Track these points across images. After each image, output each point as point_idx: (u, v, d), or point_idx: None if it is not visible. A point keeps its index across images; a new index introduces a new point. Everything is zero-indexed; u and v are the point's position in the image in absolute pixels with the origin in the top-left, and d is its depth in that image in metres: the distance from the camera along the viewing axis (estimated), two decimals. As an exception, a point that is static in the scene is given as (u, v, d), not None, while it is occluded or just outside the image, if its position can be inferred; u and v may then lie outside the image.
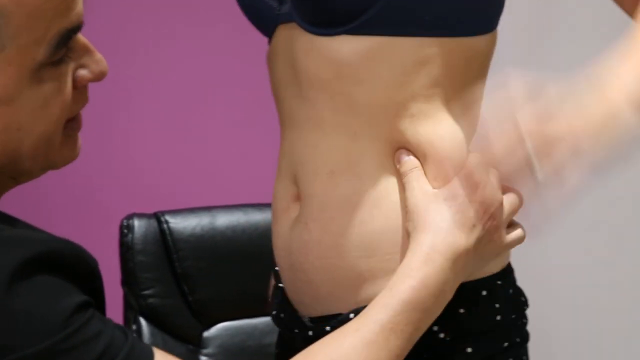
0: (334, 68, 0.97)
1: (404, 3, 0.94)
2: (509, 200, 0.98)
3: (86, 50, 0.87)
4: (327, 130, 1.00)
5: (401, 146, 0.98)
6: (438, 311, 0.92)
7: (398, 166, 0.98)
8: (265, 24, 1.07)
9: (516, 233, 1.00)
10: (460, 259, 0.92)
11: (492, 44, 1.03)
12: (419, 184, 0.96)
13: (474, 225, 0.93)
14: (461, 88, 1.00)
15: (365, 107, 0.98)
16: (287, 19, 1.03)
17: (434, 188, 0.96)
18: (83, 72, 0.87)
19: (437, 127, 0.98)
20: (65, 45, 0.82)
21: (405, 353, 0.90)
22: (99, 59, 0.87)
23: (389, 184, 0.99)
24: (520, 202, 0.99)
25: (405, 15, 0.94)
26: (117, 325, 0.82)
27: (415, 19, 0.95)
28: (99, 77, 0.88)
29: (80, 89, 0.88)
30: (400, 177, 0.98)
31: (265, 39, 1.10)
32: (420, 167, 0.97)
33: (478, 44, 1.00)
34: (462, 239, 0.92)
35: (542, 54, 2.44)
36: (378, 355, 0.87)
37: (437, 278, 0.90)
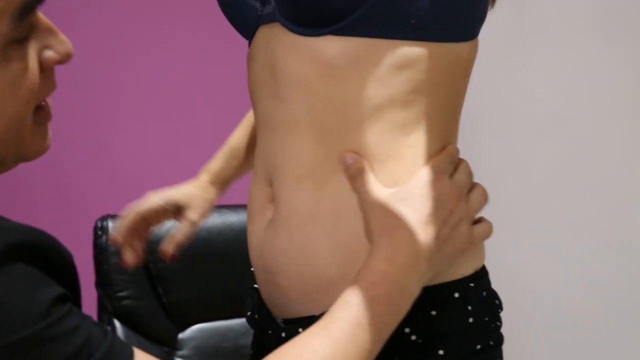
0: (316, 67, 0.97)
1: (391, 5, 0.94)
2: (473, 195, 0.99)
3: (50, 31, 0.87)
4: (299, 132, 1.00)
5: (365, 150, 0.98)
6: (405, 306, 0.92)
7: (344, 168, 0.98)
8: (247, 25, 1.07)
9: (482, 227, 1.00)
10: (421, 255, 0.92)
11: (474, 52, 1.04)
12: (372, 187, 0.96)
13: (431, 222, 0.93)
14: (440, 97, 1.00)
15: (341, 107, 0.98)
16: (269, 20, 1.03)
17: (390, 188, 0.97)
18: (49, 53, 0.86)
19: (408, 137, 0.98)
20: (27, 19, 0.82)
21: (377, 348, 0.90)
22: (64, 40, 0.87)
23: (351, 191, 0.99)
24: (484, 199, 1.00)
25: (392, 17, 0.95)
26: (95, 322, 0.82)
27: (402, 21, 0.95)
28: (65, 58, 0.87)
29: (47, 72, 0.88)
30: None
31: (245, 42, 1.10)
32: (367, 170, 0.96)
33: (460, 50, 1.00)
34: (420, 237, 0.92)
35: (519, 62, 2.45)
36: (347, 350, 0.87)
37: (397, 275, 0.91)
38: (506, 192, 2.45)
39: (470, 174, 1.01)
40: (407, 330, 0.96)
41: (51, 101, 0.94)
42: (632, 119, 2.28)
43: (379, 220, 0.94)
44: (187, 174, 2.76)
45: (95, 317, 2.21)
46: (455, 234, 0.96)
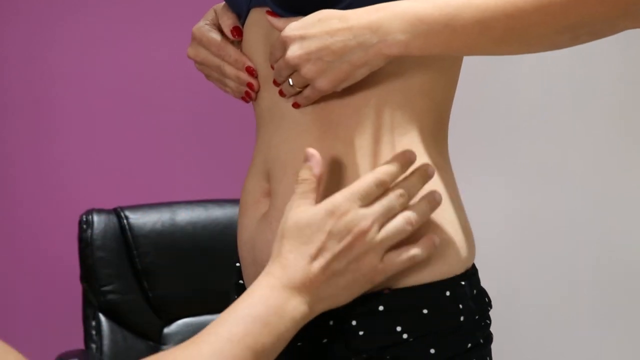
0: None
1: None
2: (391, 224, 0.95)
3: None
4: (300, 128, 1.00)
5: (364, 147, 0.99)
6: (287, 333, 0.91)
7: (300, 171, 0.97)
8: (238, 5, 1.07)
9: (404, 256, 0.95)
10: (303, 287, 0.92)
11: None
12: (297, 203, 0.94)
13: (322, 256, 0.92)
14: (431, 96, 1.01)
15: (337, 103, 0.99)
16: (260, 3, 1.03)
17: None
18: None
19: (403, 137, 0.99)
20: None
21: None
22: None
23: None
24: (407, 224, 0.95)
25: (379, 3, 0.94)
26: None
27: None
28: None
29: None
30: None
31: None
32: (314, 180, 0.95)
33: None
34: (304, 270, 0.92)
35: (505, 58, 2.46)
36: None
37: (276, 300, 0.91)
38: (493, 189, 2.46)
39: (396, 204, 0.95)
40: (398, 328, 0.96)
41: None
42: (619, 118, 2.28)
43: (276, 244, 0.94)
44: (172, 166, 2.76)
45: (80, 311, 2.20)
46: (355, 267, 0.93)
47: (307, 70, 0.94)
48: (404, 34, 0.91)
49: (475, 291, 1.02)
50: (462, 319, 0.98)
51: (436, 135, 1.03)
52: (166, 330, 2.22)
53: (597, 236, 2.34)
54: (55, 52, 2.68)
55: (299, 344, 1.00)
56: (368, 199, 0.93)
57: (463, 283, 1.00)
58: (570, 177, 2.36)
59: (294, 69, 0.96)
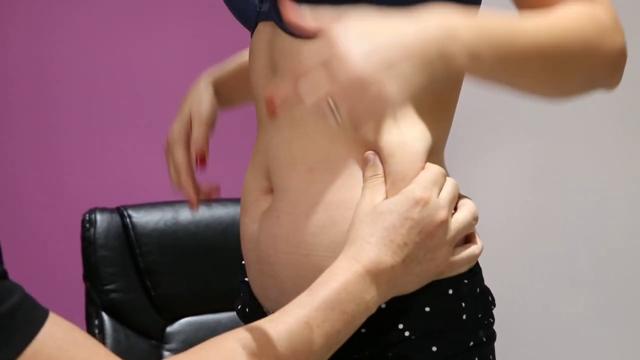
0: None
1: (377, 10, 0.93)
2: (460, 216, 0.97)
3: None
4: (308, 130, 1.01)
5: (373, 148, 0.99)
6: (359, 318, 0.92)
7: (365, 169, 0.98)
8: (247, 19, 1.08)
9: (466, 253, 0.98)
10: (384, 274, 0.92)
11: None
12: (371, 194, 0.95)
13: (405, 244, 0.92)
14: (436, 94, 1.02)
15: None
16: (267, 17, 1.03)
17: (389, 196, 0.96)
18: None
19: (405, 134, 0.99)
20: None
21: (322, 353, 0.90)
22: None
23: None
24: (474, 219, 0.98)
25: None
26: (13, 282, 0.82)
27: None
28: None
29: None
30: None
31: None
32: (382, 175, 0.96)
33: None
34: (387, 256, 0.92)
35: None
36: (288, 345, 0.88)
37: (357, 286, 0.91)
38: (496, 189, 2.46)
39: (456, 193, 0.98)
40: (400, 326, 0.96)
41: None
42: (617, 121, 2.28)
43: (354, 229, 0.94)
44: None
45: (83, 310, 2.20)
46: (431, 257, 0.94)
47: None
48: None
49: (478, 289, 1.02)
50: (464, 317, 0.99)
51: (441, 132, 1.05)
52: (169, 329, 2.22)
53: (599, 236, 2.34)
54: (57, 51, 2.68)
55: None
56: (440, 188, 0.95)
57: (466, 281, 1.00)
58: (572, 176, 2.36)
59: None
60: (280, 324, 0.88)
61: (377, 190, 0.95)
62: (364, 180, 0.97)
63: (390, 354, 0.97)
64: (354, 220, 0.95)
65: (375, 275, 0.91)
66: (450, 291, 0.98)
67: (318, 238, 0.99)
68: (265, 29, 1.05)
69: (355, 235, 0.94)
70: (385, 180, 0.96)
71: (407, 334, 0.97)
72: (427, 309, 0.97)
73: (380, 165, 0.97)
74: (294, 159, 1.02)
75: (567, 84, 0.97)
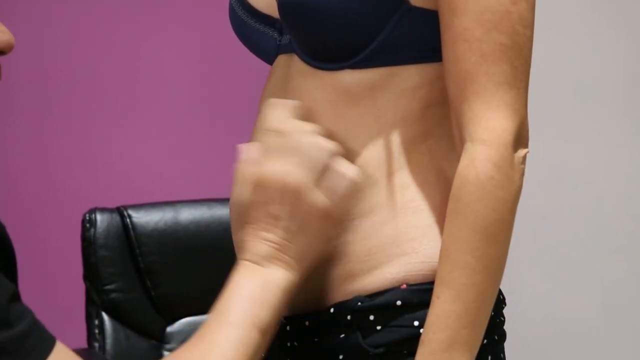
0: (332, 94, 1.00)
1: (401, 38, 0.97)
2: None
3: None
4: None
5: (379, 161, 1.00)
6: (279, 303, 0.94)
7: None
8: (267, 54, 1.09)
9: (338, 181, 0.98)
10: (272, 256, 0.95)
11: None
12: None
13: (275, 219, 0.95)
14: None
15: (353, 127, 1.00)
16: (288, 50, 1.05)
17: None
18: None
19: (419, 146, 1.00)
20: None
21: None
22: (4, 30, 0.87)
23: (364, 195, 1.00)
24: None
25: (404, 46, 0.97)
26: (23, 305, 0.83)
27: (413, 49, 0.98)
28: (5, 47, 0.87)
29: None
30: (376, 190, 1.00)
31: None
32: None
33: None
34: (261, 242, 0.95)
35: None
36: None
37: (259, 277, 0.95)
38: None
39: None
40: (415, 323, 0.97)
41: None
42: (622, 115, 2.28)
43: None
44: (175, 165, 2.76)
45: (83, 310, 2.20)
46: (298, 216, 0.96)
47: None
48: None
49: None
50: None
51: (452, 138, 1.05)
52: (169, 329, 2.22)
53: (602, 235, 2.34)
54: (57, 51, 2.68)
55: (315, 339, 1.00)
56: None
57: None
58: (576, 175, 2.36)
59: None
60: (211, 336, 0.92)
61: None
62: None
63: (405, 351, 0.97)
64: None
65: (267, 260, 0.95)
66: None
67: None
68: (283, 58, 1.06)
69: (241, 245, 0.97)
70: None
71: (422, 330, 0.97)
72: None
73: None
74: None
75: (503, 251, 0.96)
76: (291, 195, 0.95)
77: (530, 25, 0.95)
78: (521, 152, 0.95)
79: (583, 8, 2.29)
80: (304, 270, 0.97)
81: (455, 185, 0.94)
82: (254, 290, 0.93)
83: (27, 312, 0.82)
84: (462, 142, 0.95)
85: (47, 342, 0.82)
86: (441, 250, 0.94)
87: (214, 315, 0.93)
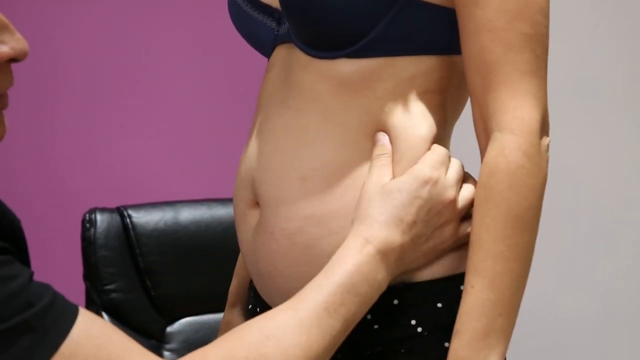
0: (330, 84, 1.01)
1: (399, 28, 0.97)
2: (464, 195, 0.99)
3: (6, 29, 0.87)
4: (308, 139, 1.02)
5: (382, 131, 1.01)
6: (371, 299, 0.94)
7: (374, 148, 1.00)
8: (263, 44, 1.10)
9: (467, 229, 1.00)
10: (393, 253, 0.93)
11: None
12: (379, 172, 0.97)
13: (414, 222, 0.94)
14: (449, 93, 1.04)
15: (355, 118, 1.01)
16: (285, 40, 1.05)
17: (396, 175, 0.98)
18: (3, 49, 0.87)
19: (413, 120, 1.00)
20: None
21: (340, 336, 0.91)
22: (19, 38, 0.88)
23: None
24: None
25: (401, 38, 0.98)
26: (40, 282, 0.82)
27: (410, 41, 0.99)
28: (20, 54, 0.88)
29: (3, 67, 0.88)
30: None
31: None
32: (390, 155, 0.98)
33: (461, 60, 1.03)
34: (396, 235, 0.93)
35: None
36: (310, 331, 0.88)
37: (369, 267, 0.92)
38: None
39: (462, 173, 1.01)
40: (413, 322, 0.97)
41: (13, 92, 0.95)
42: (622, 113, 2.28)
43: (363, 207, 0.95)
44: (175, 165, 2.76)
45: (83, 310, 2.20)
46: (438, 235, 0.96)
47: None
48: None
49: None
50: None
51: (449, 126, 1.07)
52: (169, 329, 2.21)
53: (601, 234, 2.34)
54: (57, 51, 2.68)
55: None
56: (447, 168, 0.97)
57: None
58: (576, 174, 2.36)
59: None
60: (300, 312, 0.89)
61: (384, 169, 0.97)
62: (372, 159, 0.99)
63: (402, 350, 0.98)
64: (361, 197, 0.96)
65: (385, 254, 0.93)
66: (462, 287, 0.98)
67: (318, 249, 1.01)
68: (282, 50, 1.07)
69: (364, 213, 0.95)
70: (392, 160, 0.98)
71: (419, 329, 0.97)
72: (439, 305, 0.98)
73: (388, 145, 0.99)
74: (286, 168, 1.03)
75: (533, 239, 0.99)
76: (446, 208, 0.96)
77: (548, 16, 0.96)
78: (545, 140, 0.96)
79: (583, 7, 2.29)
80: (397, 274, 0.97)
81: (484, 174, 0.94)
82: (360, 285, 0.92)
83: (46, 288, 0.82)
84: (487, 132, 0.95)
85: (70, 313, 0.82)
86: (472, 240, 0.94)
87: (313, 290, 0.91)
